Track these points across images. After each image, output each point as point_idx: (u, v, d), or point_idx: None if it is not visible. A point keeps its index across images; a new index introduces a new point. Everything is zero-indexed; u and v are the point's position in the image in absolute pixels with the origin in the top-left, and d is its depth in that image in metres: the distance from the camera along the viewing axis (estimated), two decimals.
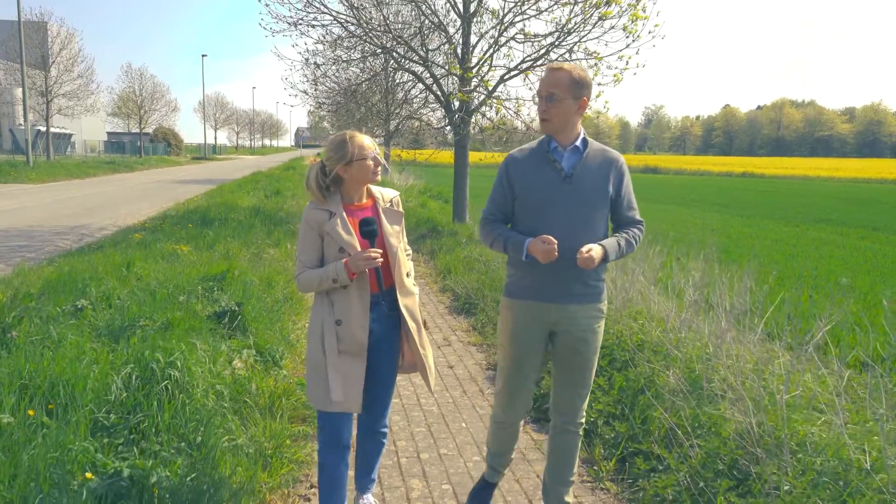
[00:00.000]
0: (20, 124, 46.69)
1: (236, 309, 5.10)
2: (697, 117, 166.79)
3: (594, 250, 2.62)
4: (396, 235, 2.86)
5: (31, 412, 2.97)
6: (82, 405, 3.11)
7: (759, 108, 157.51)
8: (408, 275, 2.93)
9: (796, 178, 60.14)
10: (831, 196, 36.15)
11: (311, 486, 3.41)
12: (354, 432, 3.03)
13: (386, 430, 3.06)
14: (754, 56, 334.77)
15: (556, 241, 2.62)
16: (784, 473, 2.90)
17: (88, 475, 2.58)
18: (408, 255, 3.00)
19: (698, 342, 4.40)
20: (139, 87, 57.50)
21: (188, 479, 2.79)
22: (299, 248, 2.79)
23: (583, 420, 3.02)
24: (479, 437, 4.12)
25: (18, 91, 44.35)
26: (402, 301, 2.84)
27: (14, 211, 16.32)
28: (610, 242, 2.75)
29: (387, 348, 2.90)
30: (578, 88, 2.71)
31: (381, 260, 2.70)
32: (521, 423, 3.09)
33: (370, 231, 2.70)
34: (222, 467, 3.00)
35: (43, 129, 41.36)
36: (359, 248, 2.69)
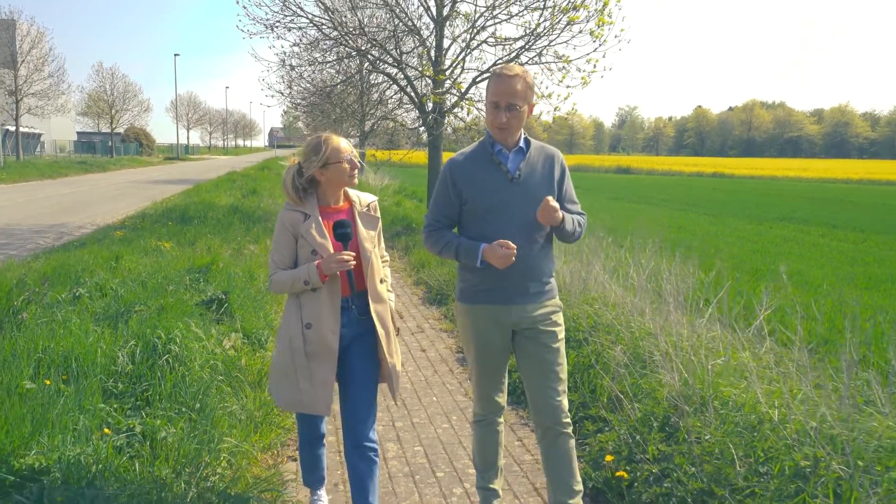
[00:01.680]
0: None
1: (223, 297, 5.50)
2: (670, 118, 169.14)
3: (558, 207, 2.66)
4: (371, 240, 2.82)
5: (47, 381, 3.34)
6: (93, 375, 3.50)
7: (730, 109, 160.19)
8: (382, 281, 2.89)
9: (765, 178, 61.24)
10: (797, 196, 37.10)
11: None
12: (340, 449, 3.19)
13: (375, 445, 2.83)
14: (727, 57, 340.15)
15: (515, 247, 2.62)
16: (706, 426, 3.39)
17: (106, 430, 2.98)
18: (384, 261, 2.98)
19: (645, 323, 4.89)
20: (110, 87, 56.98)
21: (191, 436, 3.19)
22: (273, 249, 2.80)
23: (568, 419, 2.85)
24: (448, 408, 4.57)
25: None
26: (373, 307, 2.80)
27: None
28: (567, 215, 2.80)
29: (361, 351, 2.84)
30: (531, 93, 2.74)
31: (354, 263, 2.68)
32: (502, 425, 3.04)
33: (344, 234, 2.69)
34: (220, 428, 3.41)
35: (12, 128, 40.99)
36: (332, 251, 2.67)
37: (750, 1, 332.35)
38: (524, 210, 2.74)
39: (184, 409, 3.45)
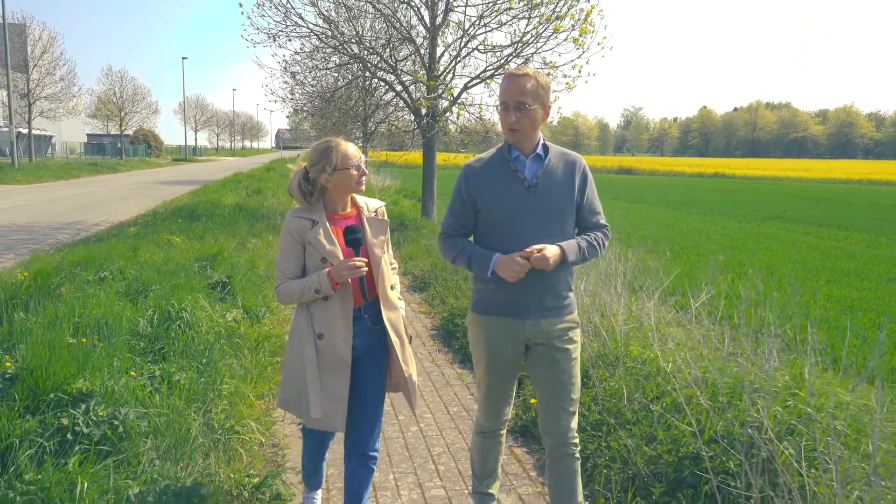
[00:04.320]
0: (1, 126, 47.31)
1: (227, 280, 6.34)
2: (675, 119, 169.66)
3: (547, 249, 2.54)
4: (381, 246, 2.77)
5: (84, 340, 4.17)
6: (120, 335, 4.33)
7: (734, 109, 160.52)
8: (392, 287, 2.83)
9: (766, 178, 61.73)
10: (794, 196, 37.55)
11: None
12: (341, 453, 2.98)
13: (376, 454, 2.88)
14: (732, 57, 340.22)
15: (528, 265, 2.54)
16: (612, 375, 4.20)
17: (132, 373, 3.81)
18: (393, 268, 2.93)
19: (585, 301, 5.69)
20: (120, 90, 58.06)
21: (199, 380, 4.02)
22: (280, 258, 2.70)
23: (576, 440, 2.81)
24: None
25: None
26: (385, 314, 2.74)
27: (9, 209, 17.35)
28: (569, 243, 2.65)
29: (372, 363, 2.79)
30: (544, 94, 2.63)
31: (366, 269, 2.62)
32: (504, 434, 3.01)
33: (355, 239, 2.63)
34: (222, 376, 4.23)
35: (24, 131, 42.06)
36: (342, 258, 2.60)
37: (753, 1, 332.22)
38: (541, 220, 2.65)
39: (193, 363, 4.28)
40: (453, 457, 3.90)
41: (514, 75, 2.61)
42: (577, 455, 2.82)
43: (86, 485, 2.69)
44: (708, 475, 3.15)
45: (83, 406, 3.23)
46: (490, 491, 3.07)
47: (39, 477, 2.72)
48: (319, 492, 3.22)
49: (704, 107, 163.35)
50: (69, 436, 3.08)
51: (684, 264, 10.76)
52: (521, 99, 2.58)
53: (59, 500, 2.61)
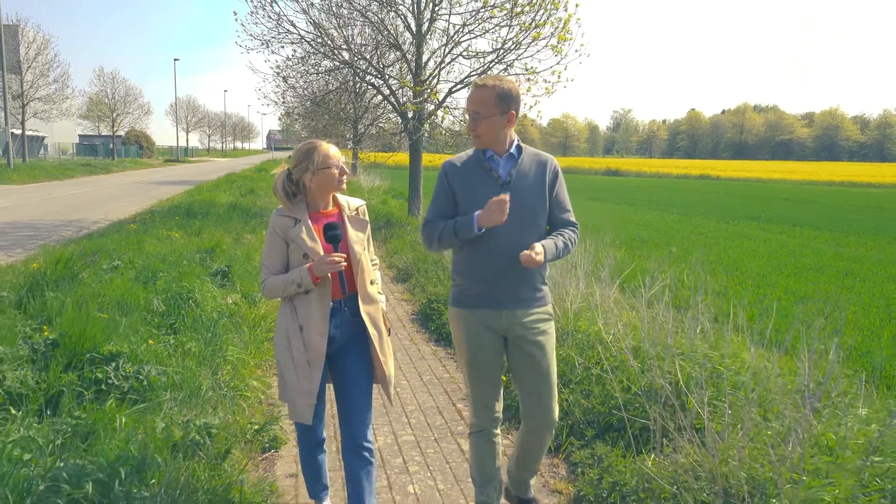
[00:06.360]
0: None
1: (226, 269, 7.02)
2: (664, 121, 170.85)
3: (537, 249, 2.66)
4: (361, 243, 2.88)
5: (104, 315, 4.83)
6: (137, 312, 5.00)
7: (722, 112, 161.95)
8: (372, 283, 2.94)
9: (751, 180, 62.56)
10: (775, 197, 38.13)
11: None
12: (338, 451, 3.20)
13: (370, 445, 2.92)
14: (722, 59, 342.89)
15: (506, 197, 2.66)
16: (562, 346, 4.90)
17: (151, 341, 4.48)
18: (374, 264, 3.03)
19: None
20: (112, 91, 58.43)
21: (207, 348, 4.69)
22: (265, 254, 2.83)
23: (556, 420, 3.05)
24: (393, 349, 6.07)
25: None
26: (363, 308, 2.85)
27: (11, 208, 17.91)
28: (548, 243, 2.78)
29: (354, 353, 2.89)
30: (504, 103, 2.75)
31: (345, 264, 2.73)
32: (499, 436, 3.05)
33: (333, 235, 2.75)
34: (226, 344, 4.91)
35: (18, 132, 42.41)
36: (322, 254, 2.73)
37: (742, 5, 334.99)
38: (515, 214, 2.75)
39: (200, 335, 4.95)
40: (423, 413, 4.58)
41: (476, 86, 2.81)
42: (554, 431, 3.08)
43: (123, 419, 3.36)
44: (632, 420, 3.85)
45: (113, 364, 3.91)
46: (492, 500, 3.08)
47: (84, 415, 3.40)
48: (328, 501, 3.25)
49: (693, 109, 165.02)
50: (103, 386, 3.76)
51: (653, 260, 11.47)
52: (474, 109, 2.79)
53: (102, 430, 3.28)
